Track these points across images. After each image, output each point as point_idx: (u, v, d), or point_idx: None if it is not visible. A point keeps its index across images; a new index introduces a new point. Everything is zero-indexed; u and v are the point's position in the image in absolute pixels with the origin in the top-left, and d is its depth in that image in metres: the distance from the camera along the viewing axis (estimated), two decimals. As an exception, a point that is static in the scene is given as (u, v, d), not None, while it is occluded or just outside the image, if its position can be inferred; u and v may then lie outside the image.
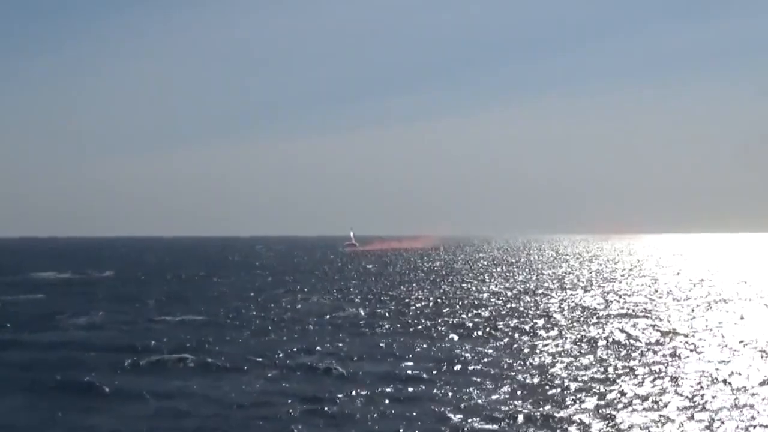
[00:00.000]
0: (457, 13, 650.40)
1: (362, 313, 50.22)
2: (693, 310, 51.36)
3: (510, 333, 40.59)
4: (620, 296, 62.50)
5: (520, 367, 30.91)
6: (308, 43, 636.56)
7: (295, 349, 35.50)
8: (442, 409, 24.37)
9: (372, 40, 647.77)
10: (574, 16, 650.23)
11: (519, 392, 26.53)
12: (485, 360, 32.73)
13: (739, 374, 29.15)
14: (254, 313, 50.63)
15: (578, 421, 22.91)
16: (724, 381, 27.95)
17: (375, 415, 23.85)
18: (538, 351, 34.84)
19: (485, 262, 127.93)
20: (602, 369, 30.39)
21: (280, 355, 33.95)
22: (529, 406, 24.48)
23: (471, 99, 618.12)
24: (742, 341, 37.14)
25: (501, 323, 44.35)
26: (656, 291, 68.06)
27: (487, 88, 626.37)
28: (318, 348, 35.98)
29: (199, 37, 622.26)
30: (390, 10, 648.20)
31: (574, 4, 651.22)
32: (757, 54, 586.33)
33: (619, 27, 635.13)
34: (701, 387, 27.08)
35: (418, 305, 55.15)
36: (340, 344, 37.16)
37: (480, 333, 40.71)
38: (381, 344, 37.22)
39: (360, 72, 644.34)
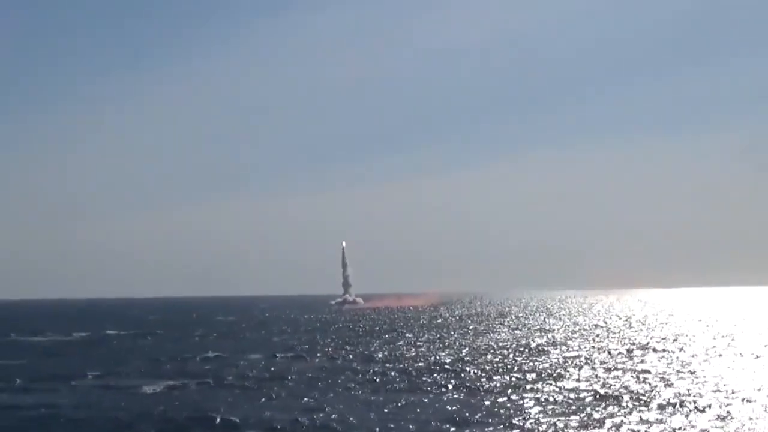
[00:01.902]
0: (453, 68, 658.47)
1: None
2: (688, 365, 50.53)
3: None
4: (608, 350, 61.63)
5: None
6: (304, 100, 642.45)
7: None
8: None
9: (370, 96, 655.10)
10: (572, 70, 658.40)
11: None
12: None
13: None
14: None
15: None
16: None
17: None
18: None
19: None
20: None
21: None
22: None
23: (468, 156, 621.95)
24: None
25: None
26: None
27: (484, 144, 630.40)
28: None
29: (194, 95, 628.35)
30: (385, 65, 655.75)
31: (571, 58, 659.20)
32: (749, 105, 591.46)
33: (614, 81, 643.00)
34: None
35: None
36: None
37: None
38: None
39: (356, 129, 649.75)
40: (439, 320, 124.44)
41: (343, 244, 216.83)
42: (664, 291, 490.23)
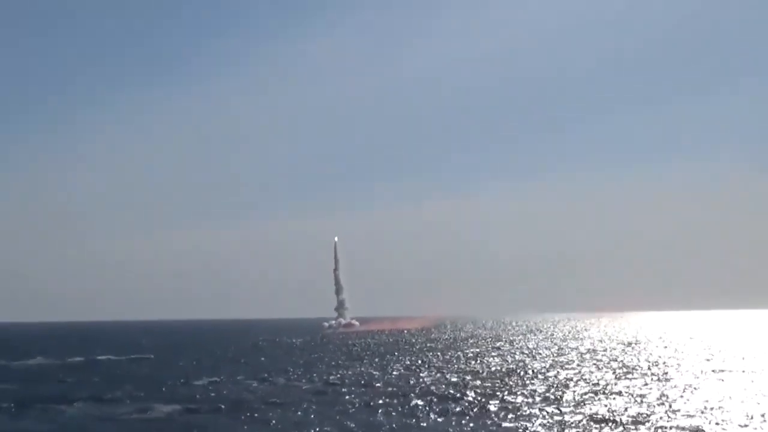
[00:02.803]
0: (452, 91, 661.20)
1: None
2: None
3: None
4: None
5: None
6: (299, 125, 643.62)
7: None
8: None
9: (366, 121, 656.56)
10: (572, 93, 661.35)
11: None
12: None
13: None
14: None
15: None
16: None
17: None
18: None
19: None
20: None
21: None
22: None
23: (465, 180, 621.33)
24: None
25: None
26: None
27: (479, 169, 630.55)
28: None
29: (193, 117, 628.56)
30: (381, 91, 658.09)
31: (569, 82, 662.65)
32: (750, 132, 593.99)
33: (613, 106, 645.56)
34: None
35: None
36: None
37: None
38: None
39: (353, 153, 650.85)
40: (430, 344, 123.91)
41: (335, 239, 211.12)
42: (658, 314, 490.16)
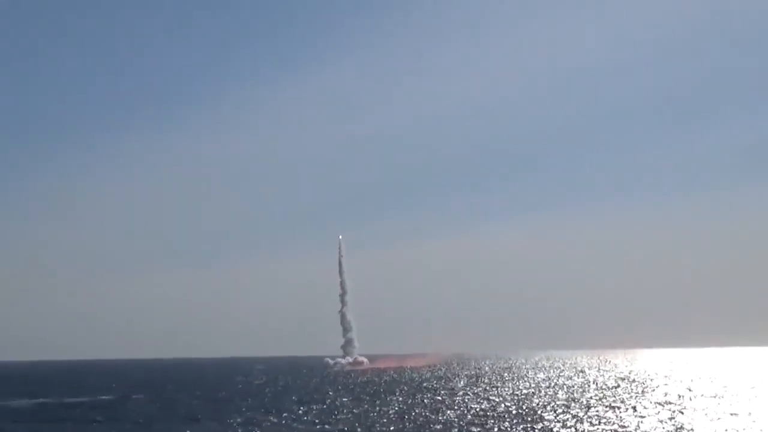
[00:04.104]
0: (451, 130, 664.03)
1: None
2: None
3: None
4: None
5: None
6: (301, 161, 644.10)
7: None
8: None
9: (368, 158, 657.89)
10: (573, 129, 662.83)
11: None
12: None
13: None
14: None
15: None
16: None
17: None
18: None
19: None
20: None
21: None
22: None
23: (469, 217, 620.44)
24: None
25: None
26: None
27: (483, 206, 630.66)
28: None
29: (186, 157, 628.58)
30: (378, 128, 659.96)
31: (568, 119, 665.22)
32: (741, 168, 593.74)
33: (617, 141, 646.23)
34: None
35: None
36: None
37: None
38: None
39: (352, 190, 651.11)
40: (435, 382, 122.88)
41: (340, 237, 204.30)
42: (660, 351, 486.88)
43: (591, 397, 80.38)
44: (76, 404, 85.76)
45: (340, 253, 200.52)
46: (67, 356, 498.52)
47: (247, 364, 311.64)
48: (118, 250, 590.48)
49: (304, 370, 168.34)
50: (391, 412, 66.71)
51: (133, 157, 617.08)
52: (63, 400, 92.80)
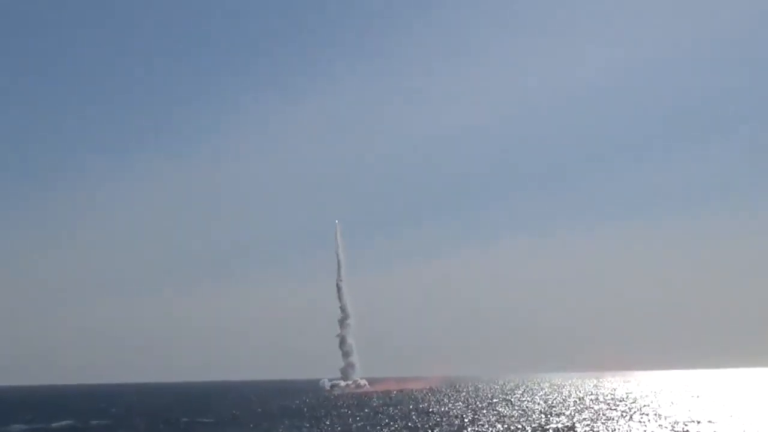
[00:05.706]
0: (452, 149, 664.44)
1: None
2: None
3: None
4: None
5: None
6: (301, 183, 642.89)
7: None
8: None
9: (365, 180, 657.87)
10: (574, 150, 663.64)
11: None
12: None
13: None
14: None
15: None
16: None
17: None
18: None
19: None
20: None
21: None
22: None
23: (467, 238, 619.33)
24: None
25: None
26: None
27: (485, 226, 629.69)
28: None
29: (185, 179, 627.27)
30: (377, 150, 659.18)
31: (568, 139, 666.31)
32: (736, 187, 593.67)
33: (616, 161, 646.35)
34: None
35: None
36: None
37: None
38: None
39: (352, 213, 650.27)
40: (435, 407, 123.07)
41: (336, 222, 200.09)
42: (659, 373, 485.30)
43: None
44: (77, 429, 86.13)
45: (337, 240, 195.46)
46: (67, 381, 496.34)
47: (247, 388, 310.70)
48: (96, 275, 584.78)
49: (306, 398, 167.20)
50: None
51: (139, 174, 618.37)
52: (56, 424, 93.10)
